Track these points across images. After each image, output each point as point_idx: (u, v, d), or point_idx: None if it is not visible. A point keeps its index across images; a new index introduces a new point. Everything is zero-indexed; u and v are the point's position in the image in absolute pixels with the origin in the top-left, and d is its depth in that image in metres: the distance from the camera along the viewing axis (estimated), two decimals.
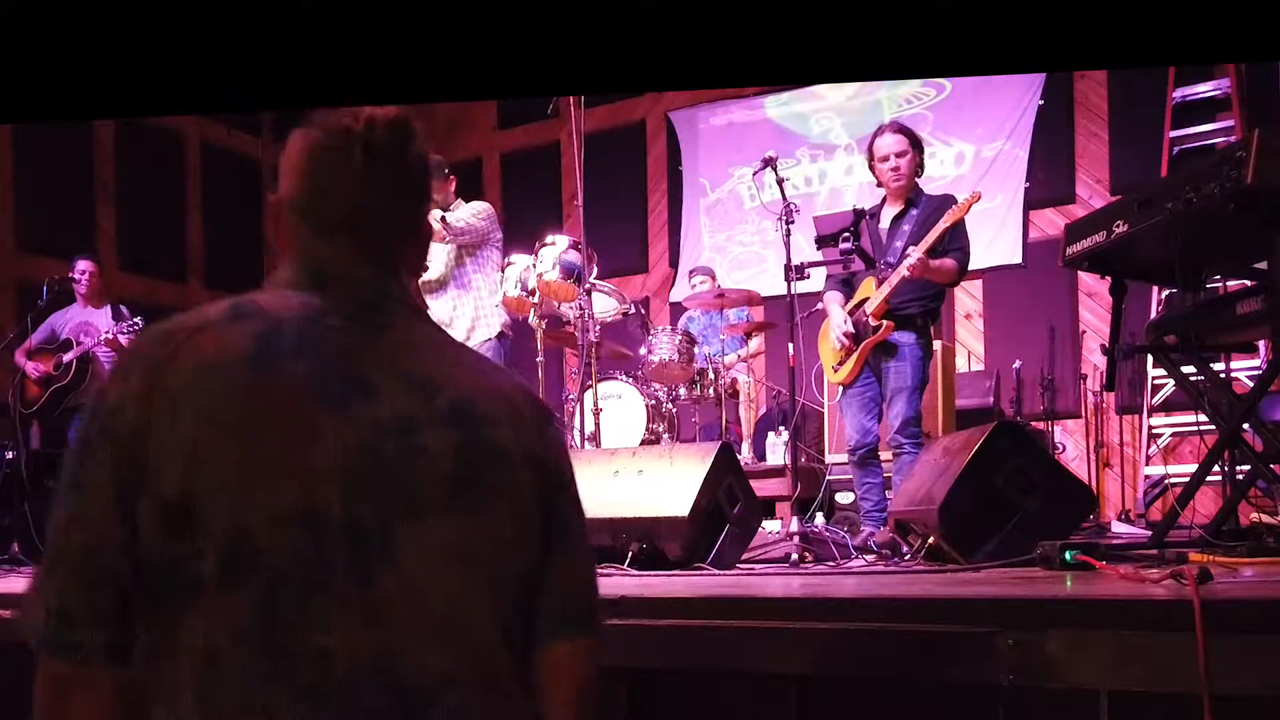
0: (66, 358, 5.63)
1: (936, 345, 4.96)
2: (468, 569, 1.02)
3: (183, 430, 0.97)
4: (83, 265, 5.85)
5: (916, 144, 4.18)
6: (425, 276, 4.52)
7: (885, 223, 4.24)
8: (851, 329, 4.18)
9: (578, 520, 1.16)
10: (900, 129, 4.20)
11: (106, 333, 5.54)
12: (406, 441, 1.02)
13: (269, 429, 0.98)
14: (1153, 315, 5.10)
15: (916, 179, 4.21)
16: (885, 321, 4.06)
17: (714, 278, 6.57)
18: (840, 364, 4.26)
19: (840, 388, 4.34)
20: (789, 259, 3.84)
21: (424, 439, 1.03)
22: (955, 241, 4.08)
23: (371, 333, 1.08)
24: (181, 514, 0.96)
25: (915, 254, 3.92)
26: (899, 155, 4.12)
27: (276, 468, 0.98)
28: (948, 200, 4.17)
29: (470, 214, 4.67)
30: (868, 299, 4.15)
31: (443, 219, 4.45)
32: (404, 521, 1.00)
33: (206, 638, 0.95)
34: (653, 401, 5.42)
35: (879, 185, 4.29)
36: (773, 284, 6.14)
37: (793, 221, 3.92)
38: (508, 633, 1.05)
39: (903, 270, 3.94)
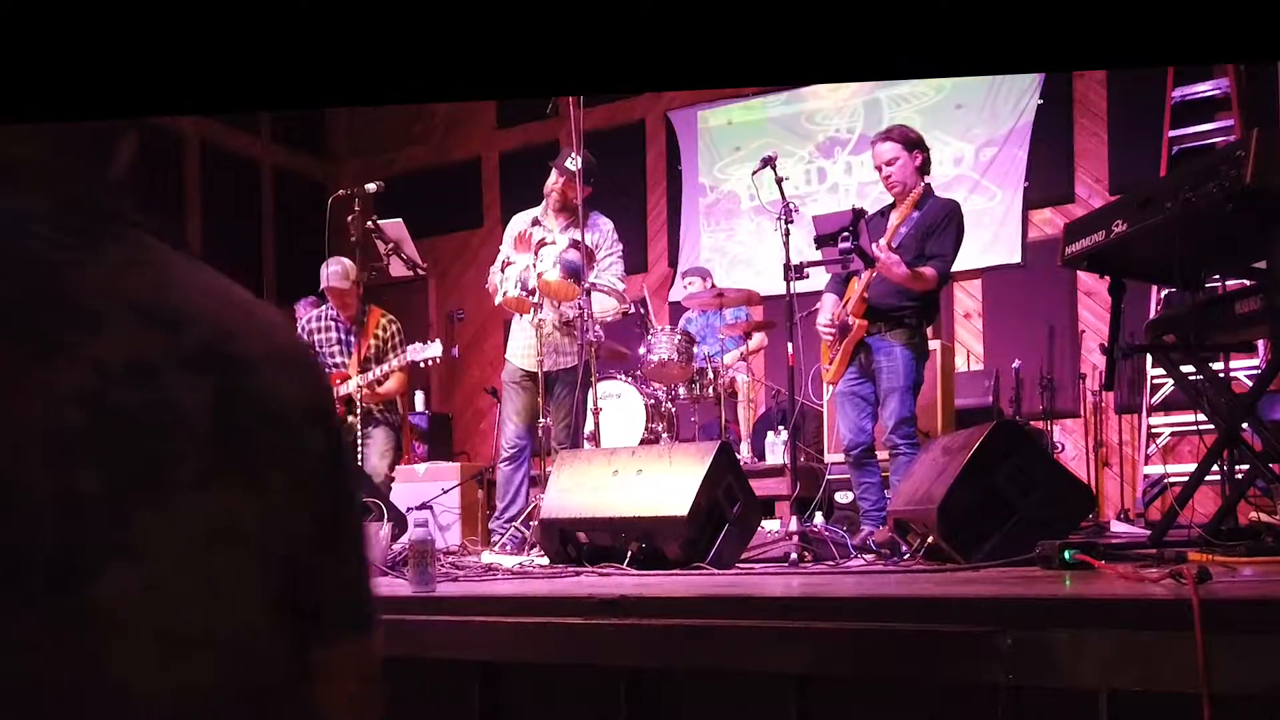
0: None
1: (935, 345, 4.97)
2: (236, 561, 0.80)
3: None
4: None
5: (912, 146, 4.16)
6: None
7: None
8: (829, 319, 4.21)
9: (358, 492, 0.97)
10: (889, 137, 4.19)
11: None
12: (144, 391, 0.78)
13: None
14: (1152, 315, 5.11)
15: (925, 177, 4.19)
16: (860, 320, 4.08)
17: (706, 279, 6.48)
18: (831, 362, 4.28)
19: (830, 387, 4.36)
20: (788, 259, 3.85)
21: (169, 388, 0.79)
22: (938, 247, 4.06)
23: (87, 244, 0.83)
24: None
25: (881, 243, 3.96)
26: (889, 164, 4.15)
27: None
28: (948, 204, 4.17)
29: (613, 274, 4.68)
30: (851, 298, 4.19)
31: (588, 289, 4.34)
32: (146, 497, 0.76)
33: None
34: (652, 401, 5.43)
35: None
36: (772, 283, 6.14)
37: (792, 221, 3.93)
38: (285, 637, 0.84)
39: (877, 256, 3.97)
